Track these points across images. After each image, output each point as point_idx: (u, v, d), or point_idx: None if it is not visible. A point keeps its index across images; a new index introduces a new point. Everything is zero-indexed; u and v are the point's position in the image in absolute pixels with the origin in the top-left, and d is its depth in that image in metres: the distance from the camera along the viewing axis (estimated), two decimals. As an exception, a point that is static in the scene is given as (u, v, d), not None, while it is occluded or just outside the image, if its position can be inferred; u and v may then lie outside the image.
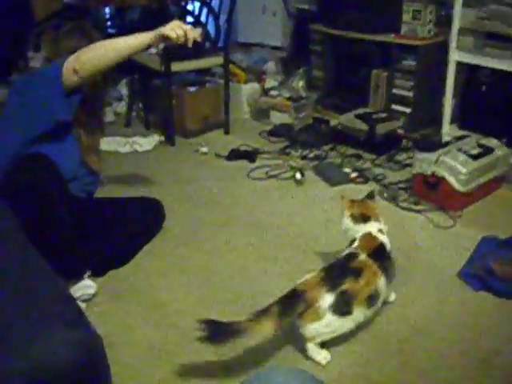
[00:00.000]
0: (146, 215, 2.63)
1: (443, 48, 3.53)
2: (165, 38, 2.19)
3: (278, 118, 4.04)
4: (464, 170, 2.76)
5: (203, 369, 1.88)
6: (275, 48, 4.73)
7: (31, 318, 1.17)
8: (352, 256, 1.98)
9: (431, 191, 2.87)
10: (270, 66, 4.49)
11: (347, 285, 1.86)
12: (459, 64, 3.43)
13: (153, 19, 4.24)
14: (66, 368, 1.10)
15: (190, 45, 2.22)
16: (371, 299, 1.92)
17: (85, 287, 2.19)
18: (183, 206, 2.94)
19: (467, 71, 3.54)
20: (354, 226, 2.11)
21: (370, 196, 2.23)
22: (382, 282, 1.94)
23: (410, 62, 3.71)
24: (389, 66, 3.83)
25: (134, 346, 1.98)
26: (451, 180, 2.78)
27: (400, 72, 3.78)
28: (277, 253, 2.53)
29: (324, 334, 1.86)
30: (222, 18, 3.92)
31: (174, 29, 2.17)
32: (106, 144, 3.68)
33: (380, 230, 2.09)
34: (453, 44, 3.39)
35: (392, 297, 2.15)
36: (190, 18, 4.54)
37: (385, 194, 3.00)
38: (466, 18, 3.31)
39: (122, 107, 4.28)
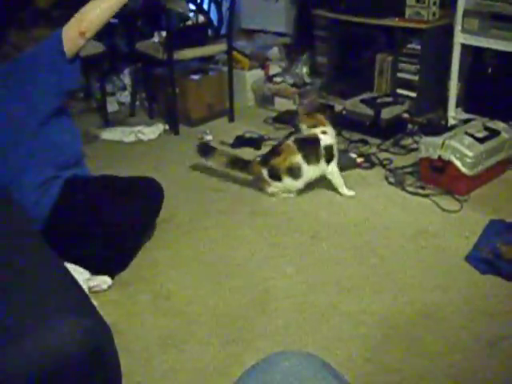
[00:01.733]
0: (146, 191, 2.57)
1: (448, 31, 3.49)
2: None
3: (282, 104, 4.02)
4: (470, 154, 2.74)
5: (210, 356, 1.88)
6: (279, 34, 4.69)
7: (43, 306, 1.17)
8: (281, 142, 2.94)
9: (438, 175, 2.85)
10: (274, 52, 4.46)
11: (272, 161, 2.81)
12: (464, 47, 3.40)
13: (154, 9, 4.22)
14: (76, 354, 1.11)
15: None
16: (292, 170, 2.77)
17: (102, 281, 2.21)
18: (188, 195, 2.94)
19: (473, 54, 3.51)
20: (307, 130, 2.87)
21: (319, 109, 3.03)
22: (297, 158, 2.76)
23: (414, 46, 3.67)
24: (393, 50, 3.79)
25: (142, 334, 1.99)
26: (458, 164, 2.76)
27: (405, 56, 3.74)
28: (284, 238, 2.53)
29: (278, 192, 2.85)
30: (225, 4, 3.89)
31: None
32: (111, 134, 3.68)
33: (323, 132, 2.83)
34: (458, 26, 3.35)
35: (346, 192, 2.86)
36: (192, 6, 4.51)
37: (391, 179, 2.99)
38: (470, 0, 3.27)
39: (125, 97, 4.27)
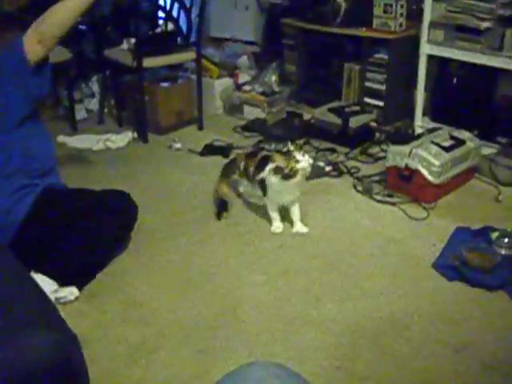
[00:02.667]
0: (119, 205, 2.52)
1: (415, 41, 3.55)
2: None
3: (251, 112, 4.04)
4: (437, 162, 2.79)
5: (180, 366, 1.87)
6: (248, 43, 4.71)
7: (10, 319, 1.16)
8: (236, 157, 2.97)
9: (405, 183, 2.89)
10: (243, 60, 4.47)
11: (234, 168, 2.84)
12: (430, 57, 3.47)
13: (124, 15, 4.20)
14: (44, 367, 1.10)
15: None
16: (245, 175, 2.75)
17: (69, 292, 2.17)
18: (158, 203, 2.93)
19: (438, 64, 3.58)
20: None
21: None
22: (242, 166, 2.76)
23: (382, 56, 3.73)
24: (361, 60, 3.84)
25: (111, 344, 1.96)
26: (424, 172, 2.81)
27: (372, 65, 3.79)
28: (253, 248, 2.54)
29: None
30: (194, 12, 3.89)
31: None
32: (79, 141, 3.64)
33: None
34: (424, 37, 3.42)
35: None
36: (161, 13, 4.50)
37: (359, 187, 3.03)
38: (436, 12, 3.34)
39: (94, 104, 4.23)
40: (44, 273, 2.13)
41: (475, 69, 3.27)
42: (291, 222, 2.69)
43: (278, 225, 2.67)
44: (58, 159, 2.52)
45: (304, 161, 2.47)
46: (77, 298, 2.18)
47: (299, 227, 2.66)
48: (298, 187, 2.58)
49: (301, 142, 2.72)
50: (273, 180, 2.54)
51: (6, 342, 1.08)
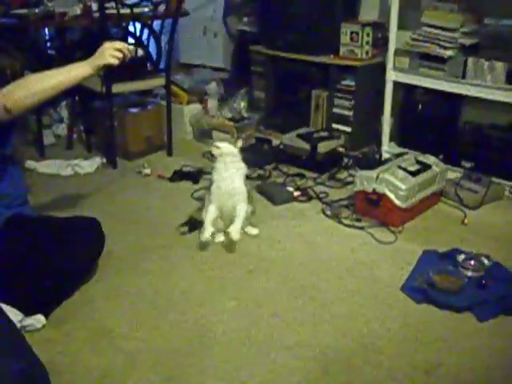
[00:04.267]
0: (86, 235, 2.46)
1: (381, 68, 3.64)
2: (106, 67, 2.17)
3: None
4: (403, 187, 2.83)
5: (151, 393, 1.85)
6: (217, 69, 4.76)
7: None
8: None
9: (373, 208, 2.93)
10: (212, 86, 4.50)
11: None
12: (396, 84, 3.55)
13: (93, 40, 4.20)
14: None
15: (127, 60, 2.22)
16: None
17: (35, 320, 2.12)
18: (126, 229, 2.90)
19: (404, 91, 3.66)
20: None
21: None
22: None
23: (349, 82, 3.80)
24: (329, 87, 3.90)
25: (79, 372, 1.93)
26: (391, 196, 2.85)
27: (340, 92, 3.86)
28: (222, 273, 2.53)
29: None
30: (164, 39, 3.91)
31: (112, 54, 2.14)
32: (47, 167, 3.61)
33: None
34: (389, 64, 3.50)
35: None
36: (131, 40, 4.52)
37: (328, 212, 3.05)
38: (401, 40, 3.43)
39: (62, 129, 4.20)
40: (8, 303, 2.08)
41: (439, 95, 3.36)
42: (264, 243, 2.70)
43: (207, 229, 2.59)
44: (26, 184, 2.49)
45: (223, 147, 2.69)
46: (44, 326, 2.14)
47: (234, 228, 2.59)
48: (237, 182, 2.69)
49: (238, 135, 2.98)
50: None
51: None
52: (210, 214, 2.63)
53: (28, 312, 2.13)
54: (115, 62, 2.13)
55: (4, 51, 2.33)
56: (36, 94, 2.04)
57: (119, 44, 2.17)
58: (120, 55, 2.15)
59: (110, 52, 2.13)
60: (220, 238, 2.73)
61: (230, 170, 2.68)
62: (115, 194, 3.32)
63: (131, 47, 2.24)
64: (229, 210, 2.68)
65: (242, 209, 2.66)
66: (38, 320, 2.13)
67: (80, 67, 2.14)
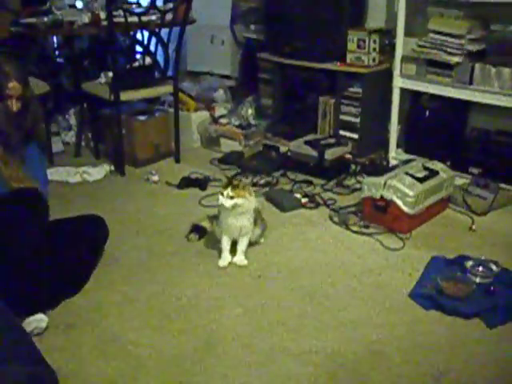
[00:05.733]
0: (89, 231, 2.60)
1: (388, 75, 3.64)
2: None
3: (228, 145, 4.07)
4: (411, 193, 2.83)
5: (159, 399, 1.85)
6: (224, 76, 4.77)
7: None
8: None
9: (380, 214, 2.93)
10: (220, 94, 4.52)
11: None
12: (403, 90, 3.55)
13: (102, 48, 4.24)
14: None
15: None
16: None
17: (36, 321, 2.13)
18: (135, 236, 2.92)
19: (411, 97, 3.66)
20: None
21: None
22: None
23: (356, 89, 3.80)
24: (336, 93, 3.91)
25: (88, 379, 1.93)
26: (399, 203, 2.85)
27: (347, 99, 3.86)
28: (230, 279, 2.53)
29: None
30: (171, 47, 3.94)
31: None
32: (56, 174, 3.63)
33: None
34: (396, 71, 3.50)
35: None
36: (139, 48, 4.55)
37: (335, 219, 3.05)
38: (407, 47, 3.44)
39: (71, 137, 4.23)
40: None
41: (447, 102, 3.36)
42: (272, 249, 2.71)
43: (223, 257, 2.66)
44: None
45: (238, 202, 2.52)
46: (47, 326, 2.15)
47: (238, 259, 2.65)
48: (242, 219, 2.59)
49: (239, 181, 2.66)
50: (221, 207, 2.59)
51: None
52: (225, 245, 2.65)
53: (26, 311, 2.14)
54: None
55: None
56: None
57: None
58: None
59: None
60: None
61: (240, 220, 2.60)
62: (123, 201, 3.34)
63: None
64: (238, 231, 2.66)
65: (245, 241, 2.66)
66: (40, 319, 2.14)
67: None
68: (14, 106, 2.33)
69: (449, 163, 3.20)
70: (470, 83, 3.21)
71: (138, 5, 4.07)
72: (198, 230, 2.86)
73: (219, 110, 4.36)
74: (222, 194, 2.52)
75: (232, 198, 2.49)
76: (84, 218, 2.69)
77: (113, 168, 3.78)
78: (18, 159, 2.43)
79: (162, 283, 2.51)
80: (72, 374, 1.94)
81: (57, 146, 4.06)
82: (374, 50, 3.72)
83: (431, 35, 3.32)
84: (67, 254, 2.43)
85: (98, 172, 3.70)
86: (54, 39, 4.71)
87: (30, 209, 2.35)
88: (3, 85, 2.29)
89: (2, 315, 1.33)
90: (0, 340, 1.21)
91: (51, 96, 3.82)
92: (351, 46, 3.76)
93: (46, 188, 2.56)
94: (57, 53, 4.74)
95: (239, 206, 2.52)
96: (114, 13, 3.47)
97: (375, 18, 3.97)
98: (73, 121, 4.28)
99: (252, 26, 4.59)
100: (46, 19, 3.57)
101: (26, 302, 2.16)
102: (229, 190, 2.50)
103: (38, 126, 2.57)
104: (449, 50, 3.24)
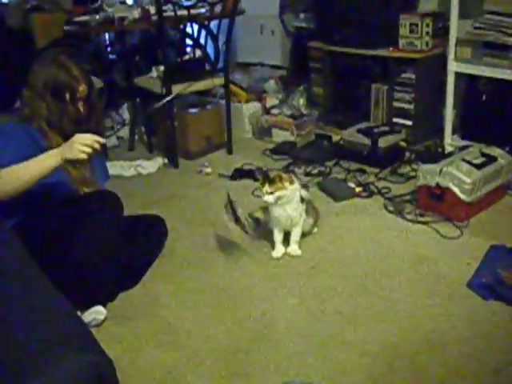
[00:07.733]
0: (149, 231, 2.63)
1: (442, 59, 3.54)
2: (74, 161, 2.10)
3: (280, 135, 4.06)
4: (468, 180, 2.75)
5: (215, 389, 1.87)
6: (275, 67, 4.75)
7: (47, 341, 1.17)
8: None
9: (436, 202, 2.87)
10: (270, 84, 4.51)
11: None
12: (458, 75, 3.45)
13: (152, 43, 4.28)
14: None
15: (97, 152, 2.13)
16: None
17: (95, 313, 2.19)
18: (189, 228, 2.95)
19: (466, 81, 3.56)
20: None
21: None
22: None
23: (409, 75, 3.72)
24: (388, 80, 3.84)
25: (144, 369, 1.97)
26: (456, 190, 2.78)
27: (400, 85, 3.79)
28: (285, 269, 2.53)
29: None
30: (221, 39, 3.94)
31: (81, 149, 2.04)
32: (110, 168, 3.67)
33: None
34: (451, 55, 3.41)
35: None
36: (189, 41, 4.58)
37: (390, 207, 3.00)
38: (462, 29, 3.33)
39: (124, 131, 4.31)
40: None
41: (504, 85, 3.24)
42: (326, 239, 2.69)
43: (277, 249, 2.66)
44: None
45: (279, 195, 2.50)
46: (106, 319, 2.20)
47: (291, 249, 2.66)
48: (289, 208, 2.56)
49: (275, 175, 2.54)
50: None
51: (41, 364, 1.09)
52: (277, 237, 2.66)
53: (86, 304, 2.19)
54: (84, 156, 2.04)
55: (57, 62, 2.27)
56: (8, 193, 2.06)
57: (89, 138, 2.07)
58: (89, 150, 2.05)
59: (79, 147, 2.04)
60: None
61: (287, 210, 2.58)
62: (177, 193, 3.37)
63: (102, 140, 2.11)
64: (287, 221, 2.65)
65: (297, 231, 2.65)
66: (99, 311, 2.20)
67: (52, 157, 2.07)
68: (82, 108, 2.31)
69: (507, 149, 3.09)
70: (530, 65, 3.09)
71: (187, -2, 4.09)
72: (252, 220, 2.86)
73: (270, 101, 4.35)
74: (262, 192, 2.52)
75: (272, 193, 2.49)
76: (146, 217, 2.73)
77: (166, 161, 3.83)
78: (86, 161, 2.46)
79: (217, 274, 2.53)
80: (129, 364, 1.98)
81: (111, 140, 4.14)
82: (427, 34, 3.63)
83: (487, 16, 3.21)
84: (131, 251, 2.47)
85: (151, 165, 3.76)
86: (106, 36, 4.80)
87: (112, 209, 2.31)
88: (75, 88, 2.27)
89: (61, 306, 1.35)
90: (59, 328, 1.23)
91: (104, 91, 3.88)
92: (403, 30, 3.68)
93: (105, 184, 2.59)
94: (109, 49, 4.82)
95: (282, 198, 2.51)
96: (164, 7, 3.50)
97: (427, 1, 3.87)
98: (126, 115, 4.36)
99: (301, 15, 4.55)
100: (97, 17, 3.63)
101: (88, 295, 2.21)
102: (266, 186, 2.49)
103: (100, 125, 2.59)
104: (506, 30, 3.12)
